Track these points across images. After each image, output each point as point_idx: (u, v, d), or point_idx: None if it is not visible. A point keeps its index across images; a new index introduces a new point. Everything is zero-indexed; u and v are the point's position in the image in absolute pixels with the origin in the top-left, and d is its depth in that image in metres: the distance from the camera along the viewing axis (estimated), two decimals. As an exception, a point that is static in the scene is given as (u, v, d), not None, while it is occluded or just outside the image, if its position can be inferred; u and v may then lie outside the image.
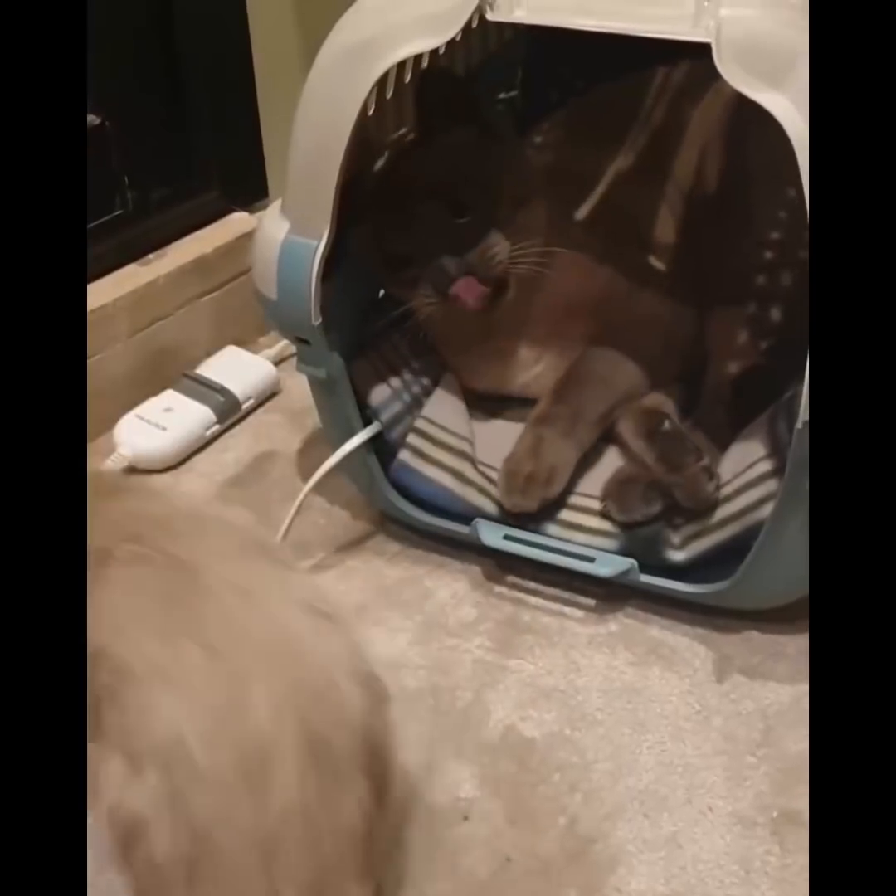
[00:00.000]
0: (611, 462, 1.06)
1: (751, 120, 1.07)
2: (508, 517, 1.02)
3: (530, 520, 1.02)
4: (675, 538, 0.98)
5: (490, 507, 1.03)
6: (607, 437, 1.07)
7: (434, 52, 0.87)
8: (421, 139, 1.04)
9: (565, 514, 1.02)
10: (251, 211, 1.34)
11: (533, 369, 1.09)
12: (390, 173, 1.04)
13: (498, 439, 1.09)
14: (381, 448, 1.04)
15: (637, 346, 1.06)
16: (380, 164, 1.06)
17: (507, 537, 1.00)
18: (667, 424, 1.00)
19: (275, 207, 0.95)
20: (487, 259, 0.98)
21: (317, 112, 0.89)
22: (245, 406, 1.25)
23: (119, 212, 1.23)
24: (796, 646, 0.96)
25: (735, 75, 0.76)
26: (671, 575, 0.97)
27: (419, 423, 1.07)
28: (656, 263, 1.12)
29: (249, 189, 1.35)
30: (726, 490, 0.97)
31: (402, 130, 1.09)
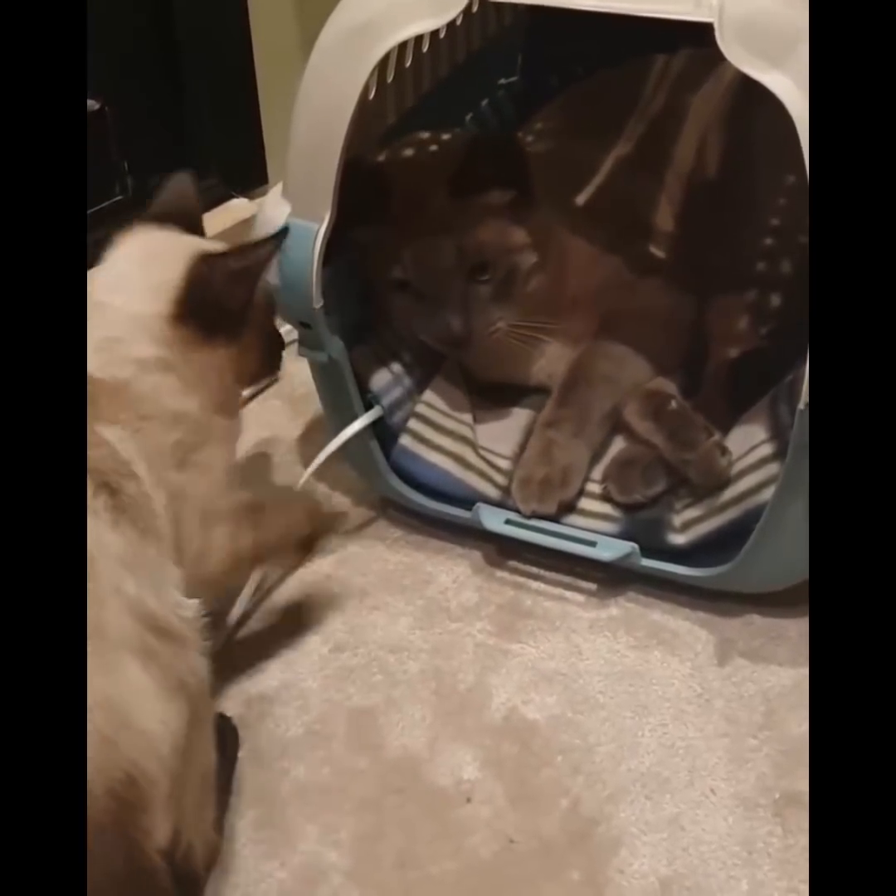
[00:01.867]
0: (615, 449, 1.06)
1: (751, 107, 1.07)
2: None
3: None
4: (677, 521, 0.98)
5: (491, 492, 1.03)
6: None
7: (435, 34, 0.87)
8: (457, 189, 1.00)
9: (567, 499, 1.02)
10: (251, 197, 1.34)
11: (538, 360, 1.09)
12: (420, 207, 1.00)
13: (500, 425, 1.10)
14: (383, 433, 1.04)
15: (640, 338, 1.06)
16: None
17: (508, 522, 1.00)
18: (673, 404, 1.00)
19: (276, 190, 0.95)
20: (489, 330, 1.00)
21: (318, 94, 0.89)
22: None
23: (119, 198, 1.23)
24: (798, 629, 0.96)
25: (738, 55, 0.75)
26: (672, 559, 0.97)
27: (420, 408, 1.07)
28: (657, 252, 1.12)
29: (249, 175, 1.35)
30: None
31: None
